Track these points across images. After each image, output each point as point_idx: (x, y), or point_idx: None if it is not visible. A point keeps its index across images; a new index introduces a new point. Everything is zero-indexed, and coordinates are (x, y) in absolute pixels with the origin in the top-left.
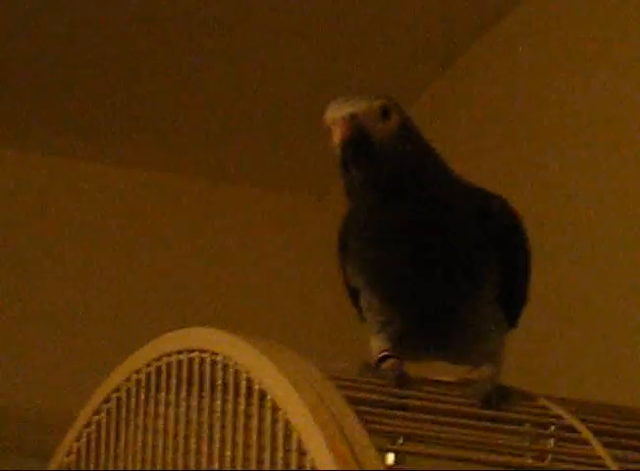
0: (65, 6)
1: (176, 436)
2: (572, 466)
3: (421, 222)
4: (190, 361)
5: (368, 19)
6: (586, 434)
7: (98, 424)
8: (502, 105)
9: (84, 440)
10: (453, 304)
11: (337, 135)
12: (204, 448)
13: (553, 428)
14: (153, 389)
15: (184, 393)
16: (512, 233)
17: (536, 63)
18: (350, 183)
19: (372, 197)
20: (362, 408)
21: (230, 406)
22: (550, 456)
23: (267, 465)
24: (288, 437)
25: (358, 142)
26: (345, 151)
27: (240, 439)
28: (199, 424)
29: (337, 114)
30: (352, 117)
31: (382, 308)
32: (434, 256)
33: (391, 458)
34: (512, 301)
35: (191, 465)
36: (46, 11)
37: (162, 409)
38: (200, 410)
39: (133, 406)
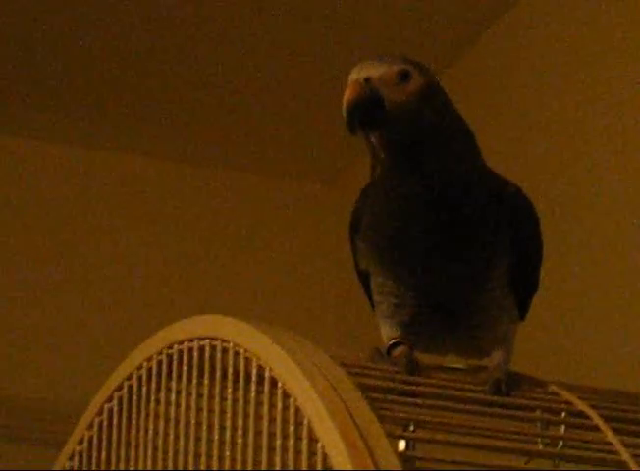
0: None
1: (187, 423)
2: (583, 453)
3: (438, 195)
4: (201, 349)
5: (378, 5)
6: (597, 420)
7: (110, 412)
8: (511, 95)
9: (96, 428)
10: (467, 285)
11: (344, 98)
12: (215, 436)
13: (563, 414)
14: (164, 376)
15: (195, 381)
16: (526, 218)
17: (544, 53)
18: (371, 150)
19: (389, 164)
20: (373, 395)
21: (241, 394)
22: (561, 443)
23: (278, 452)
24: (299, 424)
25: (367, 106)
26: (348, 114)
27: (250, 426)
28: (210, 411)
29: (353, 77)
30: (366, 80)
31: (394, 290)
32: (450, 233)
33: (402, 445)
34: (523, 288)
35: (203, 453)
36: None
37: (173, 397)
38: (211, 398)
39: (144, 394)
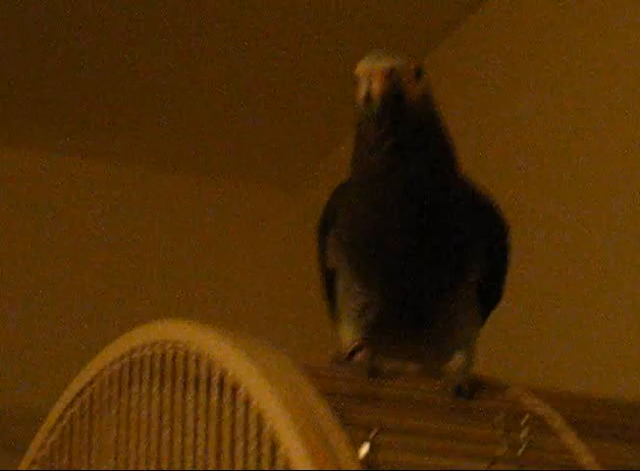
0: (65, 4)
1: (149, 429)
2: (545, 456)
3: (424, 196)
4: (163, 354)
5: (349, 9)
6: (559, 424)
7: (71, 418)
8: (488, 89)
9: (58, 433)
10: (440, 292)
11: (376, 88)
12: (177, 441)
13: (526, 418)
14: (126, 382)
15: (157, 386)
16: (500, 229)
17: (518, 49)
18: (369, 142)
19: (387, 159)
20: (336, 399)
21: (203, 398)
22: (523, 446)
23: (240, 457)
24: (260, 428)
25: (394, 98)
26: (384, 105)
27: (212, 431)
28: (172, 416)
29: (376, 66)
30: (391, 71)
31: (363, 291)
32: (431, 239)
33: (365, 450)
34: (488, 297)
35: (165, 458)
36: (45, 9)
37: (135, 402)
38: (173, 403)
39: (106, 399)
